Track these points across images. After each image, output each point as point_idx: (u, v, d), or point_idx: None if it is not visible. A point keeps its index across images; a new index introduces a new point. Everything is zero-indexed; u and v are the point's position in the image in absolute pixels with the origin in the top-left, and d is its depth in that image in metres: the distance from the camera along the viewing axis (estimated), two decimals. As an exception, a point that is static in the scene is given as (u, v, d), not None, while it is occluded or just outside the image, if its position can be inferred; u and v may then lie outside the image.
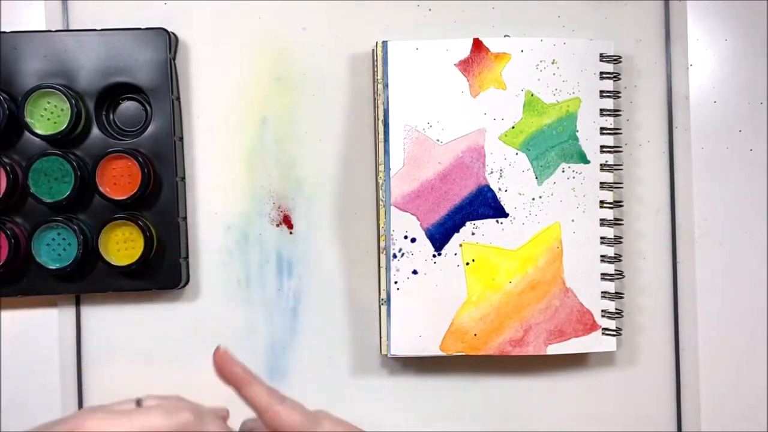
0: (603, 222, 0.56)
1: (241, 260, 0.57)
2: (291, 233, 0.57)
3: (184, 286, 0.56)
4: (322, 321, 0.57)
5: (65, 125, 0.53)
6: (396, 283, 0.55)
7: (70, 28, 0.56)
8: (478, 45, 0.55)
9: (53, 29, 0.55)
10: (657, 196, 0.59)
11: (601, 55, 0.56)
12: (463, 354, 0.55)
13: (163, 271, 0.55)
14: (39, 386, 0.56)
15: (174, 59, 0.56)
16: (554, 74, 0.55)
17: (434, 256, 0.55)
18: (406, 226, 0.55)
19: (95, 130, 0.54)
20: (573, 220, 0.56)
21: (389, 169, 0.55)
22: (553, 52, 0.55)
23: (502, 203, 0.55)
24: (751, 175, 0.58)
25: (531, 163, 0.55)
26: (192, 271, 0.57)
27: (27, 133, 0.54)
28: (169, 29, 0.55)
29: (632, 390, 0.58)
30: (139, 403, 0.43)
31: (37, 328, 0.56)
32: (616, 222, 0.56)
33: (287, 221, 0.57)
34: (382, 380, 0.58)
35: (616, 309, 0.56)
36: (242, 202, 0.57)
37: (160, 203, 0.55)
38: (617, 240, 0.56)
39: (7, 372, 0.56)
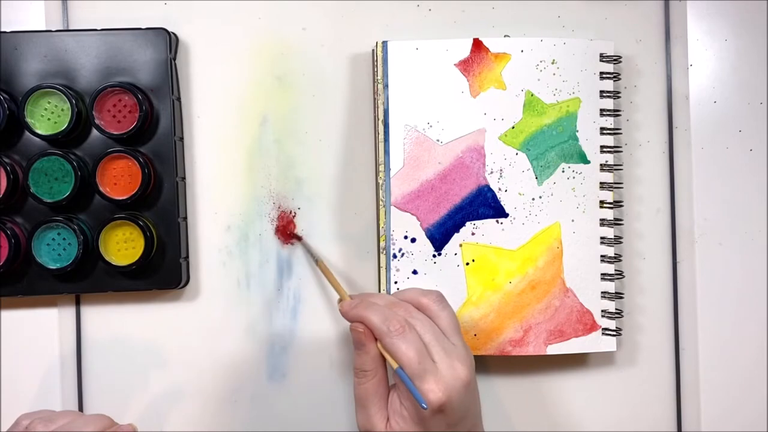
0: (603, 222, 0.56)
1: (241, 260, 0.57)
2: (291, 233, 0.57)
3: (184, 286, 0.56)
4: (322, 321, 0.57)
5: (65, 125, 0.53)
6: (396, 283, 0.55)
7: (70, 28, 0.56)
8: (478, 45, 0.55)
9: (53, 29, 0.55)
10: (657, 196, 0.59)
11: (601, 55, 0.56)
12: (463, 354, 0.55)
13: (163, 271, 0.55)
14: (39, 386, 0.56)
15: (174, 59, 0.56)
16: (554, 74, 0.55)
17: (434, 256, 0.55)
18: (406, 226, 0.55)
19: (95, 130, 0.54)
20: (573, 220, 0.56)
21: (389, 169, 0.55)
22: (553, 52, 0.55)
23: (502, 203, 0.55)
24: (751, 175, 0.58)
25: (531, 163, 0.55)
26: (192, 271, 0.57)
27: (27, 133, 0.54)
28: (169, 29, 0.55)
29: (632, 390, 0.58)
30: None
31: (37, 328, 0.56)
32: (616, 222, 0.56)
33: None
34: (382, 380, 0.58)
35: (616, 309, 0.56)
36: (242, 202, 0.57)
37: (160, 203, 0.55)
38: (617, 240, 0.56)
39: (7, 372, 0.56)
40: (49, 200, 0.53)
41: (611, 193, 0.56)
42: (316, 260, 0.55)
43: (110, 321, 0.57)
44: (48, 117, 0.54)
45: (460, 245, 0.55)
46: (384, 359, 0.48)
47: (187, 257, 0.56)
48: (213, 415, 0.57)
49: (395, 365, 0.46)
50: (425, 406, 0.45)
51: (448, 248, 0.55)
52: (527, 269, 0.55)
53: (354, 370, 0.49)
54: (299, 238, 0.56)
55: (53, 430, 0.47)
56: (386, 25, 0.57)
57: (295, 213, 0.57)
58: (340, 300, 0.51)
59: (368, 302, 0.49)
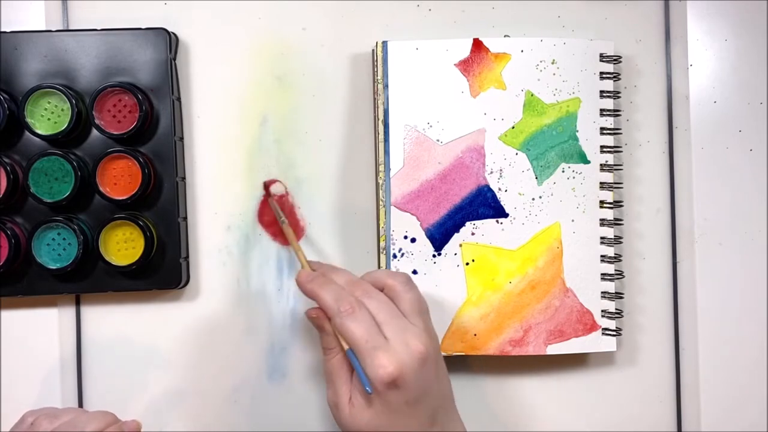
0: (603, 222, 0.56)
1: (241, 260, 0.57)
2: (291, 233, 0.57)
3: (184, 286, 0.56)
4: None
5: (66, 125, 0.53)
6: (396, 283, 0.55)
7: (70, 28, 0.56)
8: (478, 45, 0.55)
9: (53, 29, 0.55)
10: (657, 196, 0.59)
11: (601, 55, 0.56)
12: (463, 354, 0.55)
13: (163, 271, 0.55)
14: (39, 386, 0.56)
15: (174, 59, 0.56)
16: (554, 74, 0.55)
17: (434, 256, 0.55)
18: (406, 226, 0.55)
19: (95, 130, 0.54)
20: (573, 220, 0.56)
21: (389, 169, 0.55)
22: (553, 52, 0.55)
23: (502, 203, 0.55)
24: (751, 175, 0.58)
25: (531, 163, 0.55)
26: (192, 271, 0.57)
27: (27, 133, 0.54)
28: (169, 29, 0.55)
29: (632, 390, 0.59)
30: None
31: (37, 328, 0.56)
32: (616, 222, 0.56)
33: (287, 221, 0.57)
34: (382, 380, 0.58)
35: (616, 309, 0.56)
36: (242, 202, 0.57)
37: (160, 203, 0.55)
38: (617, 240, 0.56)
39: (7, 372, 0.56)
40: (49, 200, 0.53)
41: (611, 193, 0.56)
42: (282, 221, 0.55)
43: (110, 321, 0.57)
44: (48, 117, 0.54)
45: (460, 245, 0.55)
46: None
47: (187, 257, 0.56)
48: (213, 415, 0.57)
49: (346, 347, 0.47)
50: (369, 390, 0.45)
51: (448, 248, 0.55)
52: (527, 269, 0.55)
53: (321, 347, 0.50)
54: (269, 195, 0.56)
55: (58, 426, 0.47)
56: (386, 25, 0.57)
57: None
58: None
59: (325, 279, 0.49)
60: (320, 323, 0.49)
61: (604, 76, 0.56)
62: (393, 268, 0.55)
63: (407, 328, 0.47)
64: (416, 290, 0.49)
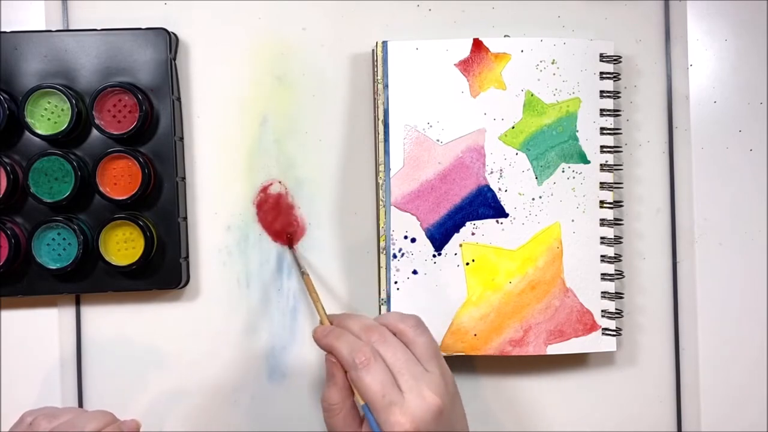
0: (603, 222, 0.56)
1: (241, 260, 0.57)
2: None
3: (184, 286, 0.56)
4: (322, 321, 0.57)
5: (66, 125, 0.53)
6: (396, 283, 0.55)
7: (70, 28, 0.56)
8: (478, 45, 0.55)
9: (53, 29, 0.55)
10: (657, 196, 0.59)
11: (601, 55, 0.56)
12: (463, 354, 0.55)
13: (163, 271, 0.55)
14: (39, 386, 0.56)
15: (174, 59, 0.56)
16: (554, 74, 0.55)
17: (434, 256, 0.55)
18: (406, 226, 0.55)
19: (95, 130, 0.54)
20: (573, 220, 0.56)
21: (389, 169, 0.55)
22: (553, 52, 0.55)
23: (502, 203, 0.55)
24: (751, 175, 0.58)
25: (531, 163, 0.55)
26: (192, 271, 0.57)
27: (27, 133, 0.54)
28: (169, 29, 0.55)
29: (632, 390, 0.59)
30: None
31: (37, 328, 0.56)
32: (616, 222, 0.56)
33: (287, 221, 0.57)
34: (382, 380, 0.58)
35: (616, 309, 0.56)
36: (242, 202, 0.57)
37: (160, 203, 0.55)
38: (617, 240, 0.56)
39: (7, 372, 0.56)
40: (49, 200, 0.53)
41: (611, 193, 0.56)
42: (302, 272, 0.55)
43: (110, 321, 0.57)
44: (48, 117, 0.54)
45: (460, 245, 0.55)
46: (352, 390, 0.47)
47: (187, 257, 0.56)
48: (213, 415, 0.57)
49: (361, 401, 0.45)
50: None
51: (448, 248, 0.55)
52: (527, 269, 0.55)
53: (321, 404, 0.48)
54: (290, 246, 0.56)
55: (56, 426, 0.47)
56: (386, 25, 0.57)
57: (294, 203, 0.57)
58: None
59: (340, 331, 0.48)
60: (334, 371, 0.47)
61: (604, 76, 0.56)
62: (393, 268, 0.55)
63: (423, 377, 0.45)
64: (428, 333, 0.48)
